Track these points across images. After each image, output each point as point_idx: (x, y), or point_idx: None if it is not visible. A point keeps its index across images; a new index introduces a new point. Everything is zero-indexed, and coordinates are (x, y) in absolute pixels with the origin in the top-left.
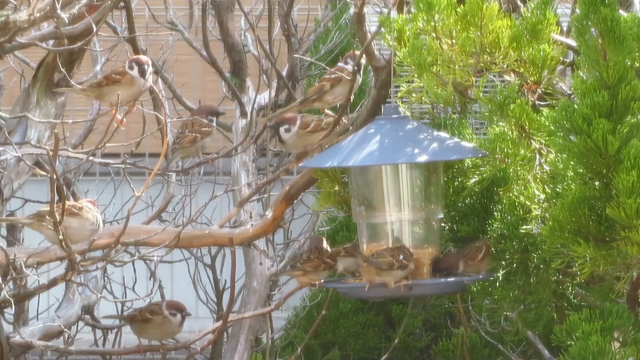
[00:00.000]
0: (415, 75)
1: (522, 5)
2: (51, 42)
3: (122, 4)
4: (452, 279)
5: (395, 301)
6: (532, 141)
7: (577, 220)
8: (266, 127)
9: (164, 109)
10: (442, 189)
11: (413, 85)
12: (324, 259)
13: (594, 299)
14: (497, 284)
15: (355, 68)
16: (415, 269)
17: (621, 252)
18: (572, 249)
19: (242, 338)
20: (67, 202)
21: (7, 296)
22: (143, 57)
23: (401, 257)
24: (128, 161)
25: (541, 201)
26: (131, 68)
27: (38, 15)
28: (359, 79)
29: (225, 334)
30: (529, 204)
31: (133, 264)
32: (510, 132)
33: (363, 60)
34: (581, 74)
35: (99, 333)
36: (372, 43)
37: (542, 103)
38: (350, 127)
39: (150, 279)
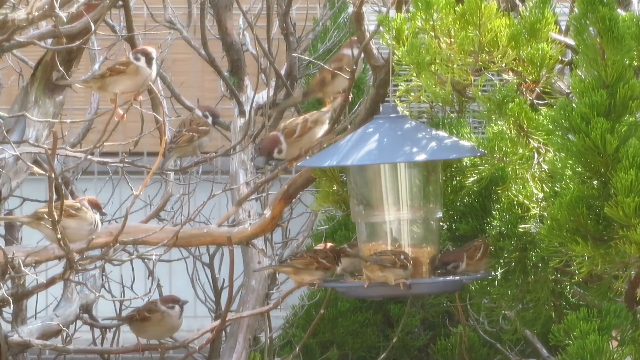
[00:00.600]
0: (414, 74)
1: (520, 4)
2: (49, 40)
3: (120, 2)
4: (450, 278)
5: (393, 300)
6: (530, 140)
7: (576, 219)
8: (264, 127)
9: (162, 107)
10: (441, 188)
11: (411, 84)
12: (318, 259)
13: (592, 297)
14: (496, 282)
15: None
16: (414, 268)
17: (619, 251)
18: (571, 247)
19: (241, 337)
20: (65, 202)
21: (6, 295)
22: (149, 48)
23: (402, 257)
24: (126, 160)
25: (539, 200)
26: (137, 59)
27: (36, 14)
28: (360, 67)
29: (223, 333)
30: (527, 202)
31: (131, 263)
32: (508, 131)
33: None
34: (579, 73)
35: (97, 332)
36: (370, 42)
37: (540, 102)
38: (349, 126)
39: (148, 278)
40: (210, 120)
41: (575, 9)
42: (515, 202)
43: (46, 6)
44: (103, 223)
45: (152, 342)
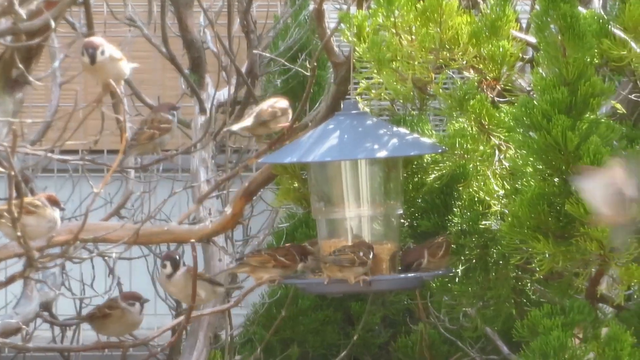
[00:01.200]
0: (375, 71)
1: (481, 2)
2: (9, 38)
3: (80, 0)
4: (411, 275)
5: (354, 298)
6: (491, 137)
7: (537, 217)
8: (225, 124)
9: (122, 105)
10: (401, 184)
11: (372, 81)
12: (276, 256)
13: (552, 295)
14: (457, 280)
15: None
16: (374, 265)
17: (580, 248)
18: (531, 245)
19: (201, 335)
20: (25, 200)
21: None
22: (95, 40)
23: (361, 253)
24: (87, 158)
25: (500, 197)
26: (83, 53)
27: None
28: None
29: (184, 330)
30: (488, 199)
31: (91, 261)
32: (469, 128)
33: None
34: (541, 70)
35: (57, 330)
36: (331, 39)
37: (501, 99)
38: (310, 123)
39: (108, 276)
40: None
41: (537, 7)
42: (476, 199)
43: (5, 3)
44: (63, 221)
45: (112, 339)
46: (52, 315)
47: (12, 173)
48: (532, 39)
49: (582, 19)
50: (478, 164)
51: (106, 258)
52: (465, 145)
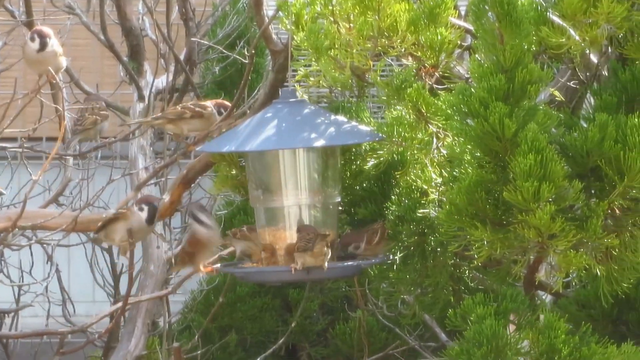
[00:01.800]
0: (313, 59)
1: None
2: None
3: None
4: (349, 263)
5: (292, 285)
6: (429, 125)
7: (474, 204)
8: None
9: (61, 93)
10: (339, 172)
11: (311, 69)
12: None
13: (491, 282)
14: (395, 267)
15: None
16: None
17: (518, 235)
18: (469, 232)
19: (139, 322)
20: None
21: None
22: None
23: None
24: (25, 145)
25: (438, 185)
26: (32, 40)
27: None
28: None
29: (122, 317)
30: (426, 187)
31: (30, 248)
32: (407, 116)
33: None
34: (478, 57)
35: None
36: (269, 27)
37: (439, 87)
38: (248, 111)
39: (47, 263)
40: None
41: None
42: (414, 187)
43: None
44: (1, 208)
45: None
46: None
47: None
48: (470, 26)
49: (519, 6)
50: (415, 151)
51: (45, 245)
52: (402, 133)
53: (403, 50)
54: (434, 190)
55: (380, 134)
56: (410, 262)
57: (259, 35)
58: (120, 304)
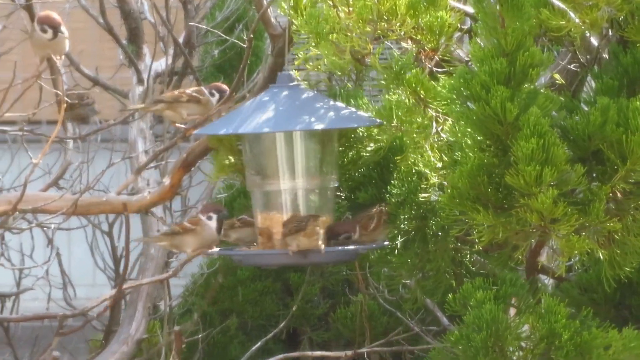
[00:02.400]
0: (312, 44)
1: None
2: None
3: None
4: (348, 247)
5: (293, 269)
6: (428, 109)
7: (476, 188)
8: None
9: (61, 77)
10: (337, 157)
11: (310, 54)
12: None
13: (492, 266)
14: (396, 251)
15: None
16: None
17: (520, 219)
18: (471, 216)
19: (140, 305)
20: None
21: None
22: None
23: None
24: (25, 128)
25: (439, 169)
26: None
27: None
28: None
29: (123, 301)
30: (427, 171)
31: (30, 232)
32: (406, 100)
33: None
34: (479, 40)
35: None
36: (268, 10)
37: (439, 70)
38: (247, 95)
39: (47, 246)
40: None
41: None
42: (414, 171)
43: None
44: (2, 192)
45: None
46: None
47: None
48: (470, 9)
49: None
50: (415, 136)
51: (45, 229)
52: (402, 117)
53: (403, 33)
54: (434, 174)
55: (379, 120)
56: (411, 247)
57: (258, 19)
58: (117, 287)
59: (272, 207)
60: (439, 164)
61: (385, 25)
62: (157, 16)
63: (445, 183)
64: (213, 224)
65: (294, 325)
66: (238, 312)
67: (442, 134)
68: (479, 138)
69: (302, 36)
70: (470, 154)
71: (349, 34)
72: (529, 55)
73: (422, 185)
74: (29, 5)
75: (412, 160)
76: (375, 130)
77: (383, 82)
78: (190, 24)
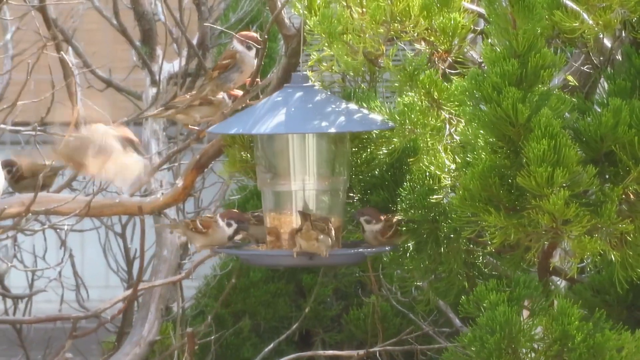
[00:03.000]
0: (326, 44)
1: None
2: None
3: None
4: (352, 250)
5: (305, 270)
6: (442, 111)
7: (488, 189)
8: (176, 96)
9: (74, 77)
10: (348, 159)
11: (323, 54)
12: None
13: (505, 268)
14: (408, 254)
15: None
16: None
17: (532, 221)
18: (483, 218)
19: (153, 307)
20: None
21: None
22: None
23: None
24: (39, 129)
25: (451, 171)
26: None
27: None
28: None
29: (136, 303)
30: (439, 173)
31: (43, 233)
32: (420, 102)
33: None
34: (491, 42)
35: (9, 302)
36: (282, 11)
37: (452, 72)
38: (261, 95)
39: (60, 248)
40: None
41: None
42: (427, 173)
43: None
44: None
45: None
46: (4, 288)
47: None
48: (483, 10)
49: None
50: (428, 138)
51: (58, 230)
52: (415, 119)
53: (416, 35)
54: (447, 176)
55: (392, 123)
56: (424, 249)
57: (272, 20)
58: (132, 289)
59: (282, 207)
60: (452, 166)
61: (399, 27)
62: (171, 17)
63: (457, 185)
64: (229, 230)
65: (307, 327)
66: (251, 314)
67: (455, 136)
68: (490, 139)
69: (315, 36)
70: (482, 156)
71: (362, 34)
72: (541, 57)
73: (435, 187)
74: (42, 6)
75: (425, 162)
76: (388, 132)
77: (396, 83)
78: (204, 25)
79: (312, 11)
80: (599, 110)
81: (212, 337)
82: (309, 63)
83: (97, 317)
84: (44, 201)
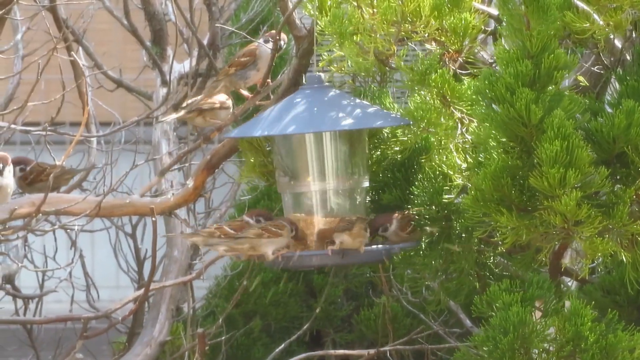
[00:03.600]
0: (337, 45)
1: None
2: None
3: None
4: (381, 246)
5: (316, 270)
6: (454, 110)
7: (500, 190)
8: (187, 97)
9: (84, 77)
10: (367, 158)
11: (334, 55)
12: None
13: (516, 268)
14: (421, 252)
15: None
16: None
17: (544, 221)
18: (495, 218)
19: (163, 307)
20: None
21: None
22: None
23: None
24: (49, 128)
25: (463, 170)
26: None
27: None
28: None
29: (146, 303)
30: (451, 173)
31: (54, 233)
32: (432, 101)
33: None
34: (504, 42)
35: (19, 302)
36: (293, 12)
37: (463, 72)
38: (272, 96)
39: (71, 248)
40: None
41: None
42: (438, 172)
43: None
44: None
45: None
46: (15, 288)
47: None
48: (493, 11)
49: None
50: (440, 137)
51: (68, 231)
52: (427, 118)
53: (427, 35)
54: (458, 175)
55: (407, 119)
56: (436, 248)
57: (283, 22)
58: (143, 290)
59: (302, 209)
60: (464, 165)
61: (409, 27)
62: (182, 18)
63: (469, 185)
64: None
65: (318, 327)
66: (262, 314)
67: (466, 135)
68: (503, 140)
69: (327, 37)
70: (495, 156)
71: (372, 34)
72: (554, 58)
73: (447, 187)
74: (52, 6)
75: (437, 162)
76: (400, 131)
77: (408, 82)
78: (214, 25)
79: (323, 12)
80: (611, 111)
81: (223, 338)
82: (320, 64)
83: (108, 317)
84: (54, 202)
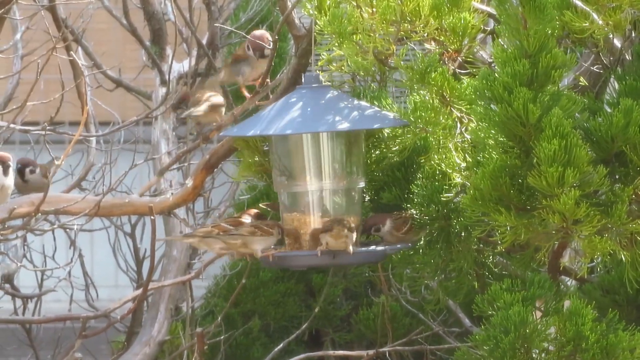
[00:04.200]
0: (336, 44)
1: None
2: None
3: None
4: (374, 248)
5: (315, 270)
6: (453, 109)
7: (498, 189)
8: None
9: (83, 77)
10: (364, 158)
11: (333, 54)
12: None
13: (515, 268)
14: (421, 251)
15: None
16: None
17: (542, 221)
18: (493, 217)
19: (162, 307)
20: None
21: None
22: None
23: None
24: (48, 128)
25: (462, 170)
26: None
27: None
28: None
29: (145, 303)
30: (450, 172)
31: (53, 233)
32: (431, 101)
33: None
34: (502, 42)
35: (18, 302)
36: (292, 11)
37: (462, 71)
38: (271, 96)
39: (70, 248)
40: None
41: None
42: (437, 172)
43: None
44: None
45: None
46: (14, 288)
47: None
48: (493, 11)
49: None
50: (439, 136)
51: (67, 230)
52: (426, 118)
53: (426, 34)
54: (457, 175)
55: (405, 120)
56: (434, 247)
57: (282, 21)
58: (142, 289)
59: (299, 208)
60: (463, 164)
61: (409, 26)
62: (181, 17)
63: (467, 184)
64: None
65: (317, 327)
66: (260, 314)
67: (465, 135)
68: (501, 139)
69: (326, 36)
70: (493, 155)
71: (372, 34)
72: (552, 57)
73: (446, 186)
74: (52, 6)
75: (436, 161)
76: (400, 131)
77: (408, 82)
78: (213, 24)
79: (322, 11)
80: (610, 110)
81: (222, 337)
82: (319, 63)
83: (107, 316)
84: (53, 201)
